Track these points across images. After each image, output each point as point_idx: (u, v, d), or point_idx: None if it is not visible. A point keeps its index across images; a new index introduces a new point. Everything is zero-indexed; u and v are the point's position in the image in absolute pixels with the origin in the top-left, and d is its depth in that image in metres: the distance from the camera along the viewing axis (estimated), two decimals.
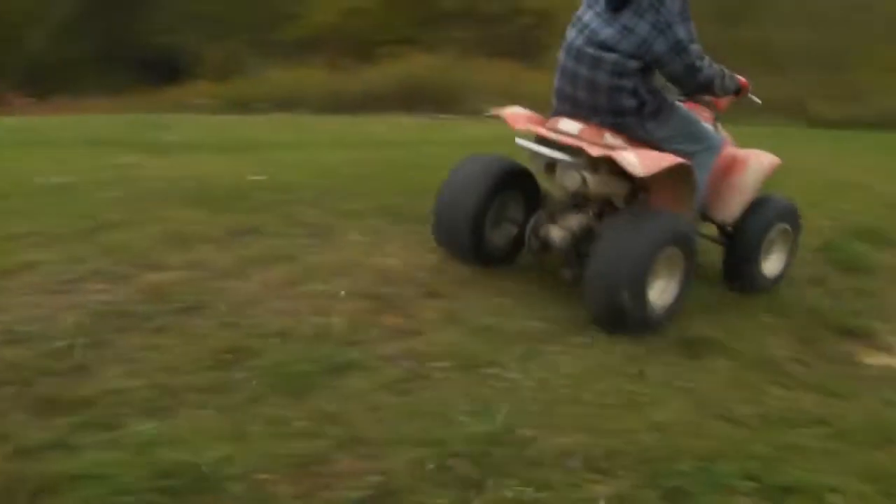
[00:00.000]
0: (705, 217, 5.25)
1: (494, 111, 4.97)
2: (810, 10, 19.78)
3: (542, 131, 4.65)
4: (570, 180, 4.53)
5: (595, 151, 4.34)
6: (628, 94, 4.40)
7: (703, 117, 5.04)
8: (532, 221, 4.87)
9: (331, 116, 13.26)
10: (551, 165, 4.67)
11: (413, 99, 14.84)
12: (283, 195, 6.15)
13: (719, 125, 5.33)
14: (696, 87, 4.57)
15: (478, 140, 9.28)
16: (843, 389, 4.63)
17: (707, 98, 5.07)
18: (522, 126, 4.75)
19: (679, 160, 4.40)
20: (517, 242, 5.07)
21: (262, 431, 3.40)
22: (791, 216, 5.47)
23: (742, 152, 5.27)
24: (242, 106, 14.40)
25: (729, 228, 5.34)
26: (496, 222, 5.02)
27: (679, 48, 4.31)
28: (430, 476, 3.27)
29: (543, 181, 5.08)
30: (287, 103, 14.55)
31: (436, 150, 8.38)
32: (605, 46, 4.38)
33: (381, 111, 14.08)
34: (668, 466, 3.52)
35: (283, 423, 3.47)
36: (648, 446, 3.63)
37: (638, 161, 4.22)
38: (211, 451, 3.19)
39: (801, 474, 3.65)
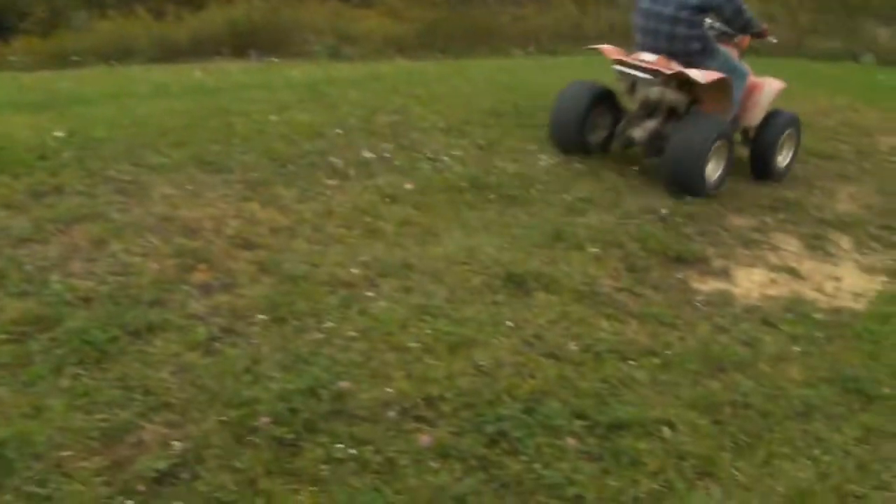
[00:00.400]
0: (736, 123, 6.98)
1: (594, 46, 6.98)
2: None
3: (631, 60, 6.54)
4: (652, 93, 6.52)
5: (670, 71, 6.30)
6: (696, 41, 6.35)
7: (734, 55, 6.89)
8: (620, 125, 6.85)
9: (158, 66, 12.71)
10: (633, 84, 6.69)
11: (243, 43, 14.42)
12: (90, 151, 5.73)
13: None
14: (741, 26, 6.60)
15: (302, 82, 9.01)
16: (674, 318, 4.63)
17: (736, 39, 6.92)
18: (616, 56, 6.64)
19: (724, 75, 6.39)
20: (606, 141, 7.09)
21: (63, 405, 3.18)
22: (795, 123, 7.23)
23: (760, 79, 7.06)
24: (63, 60, 13.68)
25: (751, 135, 7.15)
26: (593, 128, 7.00)
27: (735, 3, 6.34)
28: (241, 439, 3.10)
29: (623, 100, 7.04)
30: (114, 55, 13.88)
31: (258, 94, 8.06)
32: (680, 6, 6.24)
33: (211, 57, 13.63)
34: (493, 410, 3.44)
35: (86, 395, 3.26)
36: (471, 390, 3.54)
37: (700, 74, 6.23)
38: (6, 430, 2.98)
39: (632, 409, 3.63)
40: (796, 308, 5.00)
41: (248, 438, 3.10)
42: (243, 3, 15.31)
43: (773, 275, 5.49)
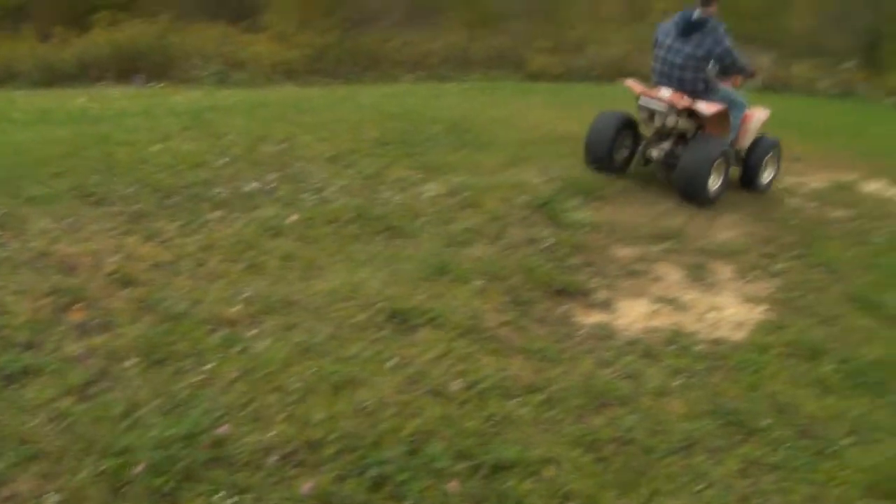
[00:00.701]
0: (732, 145, 8.27)
1: (623, 81, 8.72)
2: None
3: (648, 94, 7.92)
4: (668, 121, 7.86)
5: (682, 105, 7.74)
6: (700, 81, 7.80)
7: (731, 88, 8.25)
8: (641, 147, 8.33)
9: (41, 91, 12.40)
10: (651, 114, 7.98)
11: (128, 68, 14.17)
12: None
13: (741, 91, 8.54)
14: (735, 70, 7.98)
15: (187, 110, 8.87)
16: (558, 353, 4.68)
17: (731, 78, 8.23)
18: (640, 91, 8.01)
19: (724, 107, 7.83)
20: (628, 160, 8.44)
21: None
22: (776, 147, 8.56)
23: (751, 110, 8.37)
24: None
25: (742, 155, 8.44)
26: (618, 148, 8.30)
27: (728, 52, 7.71)
28: (117, 490, 3.03)
29: (642, 127, 8.32)
30: None
31: (142, 122, 7.90)
32: (688, 56, 7.74)
33: (97, 82, 13.38)
34: (375, 453, 3.44)
35: None
36: (354, 432, 3.54)
37: (705, 107, 7.69)
38: None
39: (515, 449, 3.66)
40: (678, 340, 5.11)
41: (125, 490, 3.04)
42: (129, 26, 15.03)
43: (655, 306, 5.60)
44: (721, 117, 7.91)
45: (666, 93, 7.85)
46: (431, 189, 6.86)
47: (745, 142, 8.40)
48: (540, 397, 4.13)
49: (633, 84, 8.22)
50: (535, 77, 16.89)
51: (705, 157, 7.70)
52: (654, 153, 8.19)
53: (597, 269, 5.97)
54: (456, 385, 4.07)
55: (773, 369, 4.90)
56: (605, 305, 5.51)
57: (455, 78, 15.42)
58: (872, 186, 9.51)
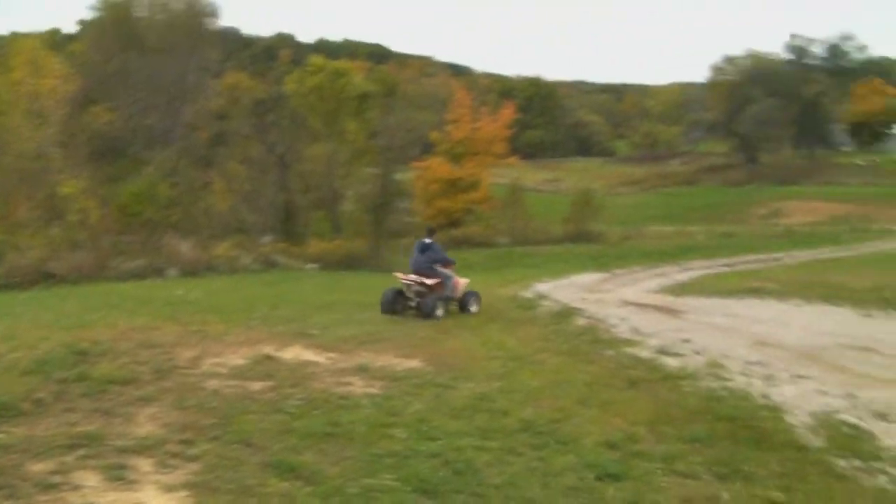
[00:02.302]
0: (450, 297, 16.81)
1: (395, 274, 17.46)
2: None
3: (404, 278, 16.41)
4: (415, 290, 16.20)
5: (426, 281, 16.27)
6: (431, 269, 16.40)
7: (449, 270, 16.95)
8: (411, 301, 16.33)
9: None
10: (408, 286, 16.28)
11: None
12: None
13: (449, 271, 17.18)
14: (446, 264, 16.83)
15: None
16: None
17: (448, 267, 17.02)
18: (402, 277, 16.51)
19: (440, 280, 16.48)
20: (407, 309, 16.32)
21: None
22: (477, 295, 17.14)
23: (458, 279, 17.00)
24: None
25: (459, 299, 16.83)
26: (398, 302, 16.33)
27: (443, 258, 16.83)
28: None
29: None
30: None
31: None
32: (424, 259, 16.51)
33: None
34: None
35: None
36: None
37: (431, 281, 16.32)
38: None
39: None
40: None
41: None
42: None
43: None
44: (439, 285, 16.26)
45: (413, 276, 16.14)
46: None
47: (459, 293, 16.73)
48: None
49: (400, 274, 16.60)
50: None
51: (433, 301, 15.76)
52: (413, 304, 16.08)
53: (10, 491, 5.72)
54: None
55: None
56: None
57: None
58: (290, 354, 10.20)
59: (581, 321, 15.64)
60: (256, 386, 8.63)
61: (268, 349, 10.15)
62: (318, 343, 11.43)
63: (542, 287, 22.63)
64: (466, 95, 57.25)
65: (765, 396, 9.21)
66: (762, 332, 13.68)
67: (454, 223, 49.75)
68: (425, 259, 16.27)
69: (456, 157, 53.26)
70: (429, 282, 16.00)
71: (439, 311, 15.66)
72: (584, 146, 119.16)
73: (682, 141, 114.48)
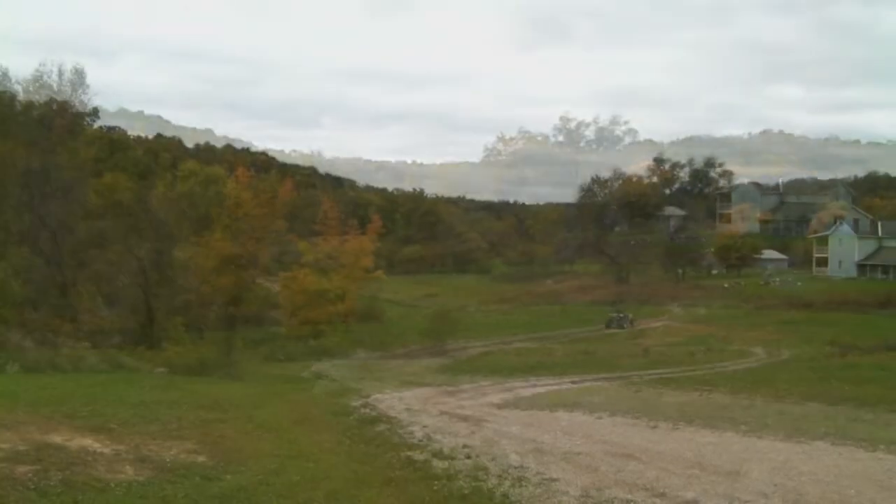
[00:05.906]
0: None
1: None
2: None
3: None
4: None
5: None
6: None
7: None
8: None
9: None
10: None
11: None
12: None
13: None
14: None
15: None
16: None
17: None
18: None
19: None
20: None
21: None
22: None
23: None
24: None
25: None
26: None
27: None
28: None
29: None
30: None
31: None
32: None
33: None
34: None
35: None
36: None
37: None
38: None
39: None
40: None
41: None
42: None
43: None
44: None
45: None
46: None
47: None
48: None
49: None
50: None
51: None
52: None
53: None
54: None
55: None
56: None
57: None
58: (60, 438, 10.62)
59: (382, 427, 16.00)
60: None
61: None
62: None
63: (378, 397, 23.19)
64: (333, 207, 58.40)
65: (504, 496, 10.08)
66: (546, 441, 14.51)
67: (317, 335, 50.42)
68: None
69: (322, 270, 54.17)
70: None
71: None
72: (462, 262, 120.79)
73: (554, 260, 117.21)
